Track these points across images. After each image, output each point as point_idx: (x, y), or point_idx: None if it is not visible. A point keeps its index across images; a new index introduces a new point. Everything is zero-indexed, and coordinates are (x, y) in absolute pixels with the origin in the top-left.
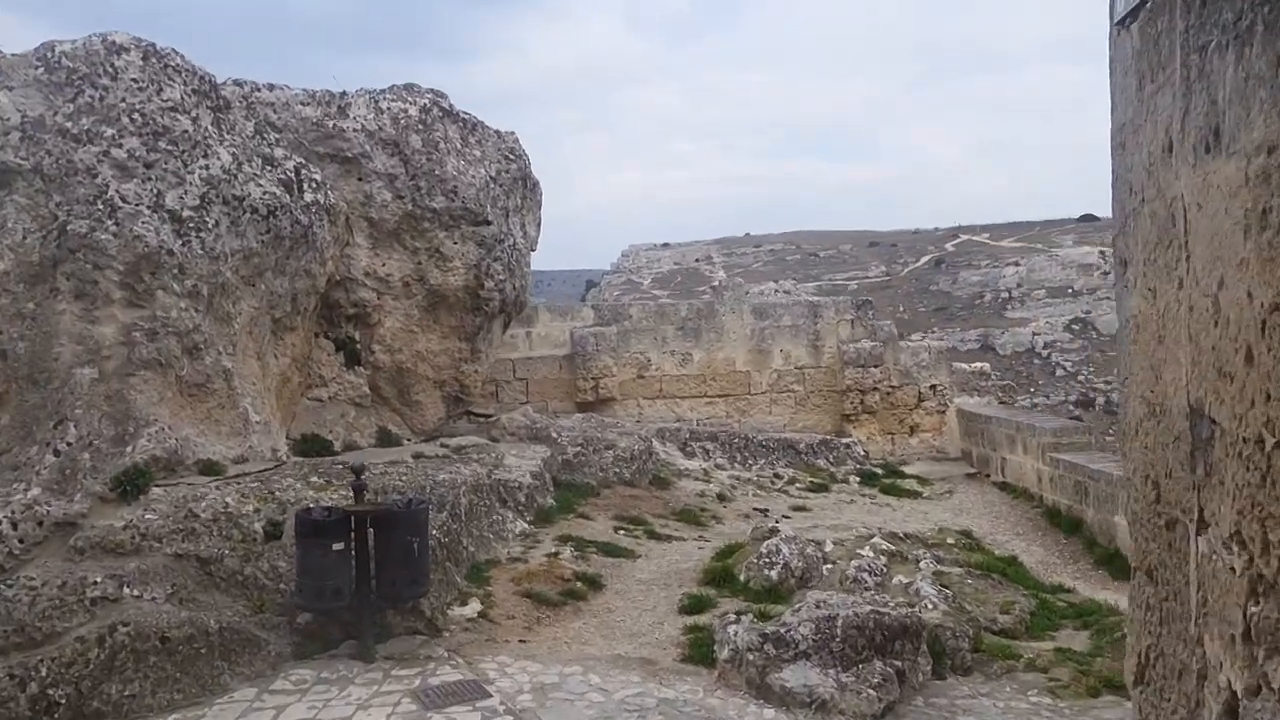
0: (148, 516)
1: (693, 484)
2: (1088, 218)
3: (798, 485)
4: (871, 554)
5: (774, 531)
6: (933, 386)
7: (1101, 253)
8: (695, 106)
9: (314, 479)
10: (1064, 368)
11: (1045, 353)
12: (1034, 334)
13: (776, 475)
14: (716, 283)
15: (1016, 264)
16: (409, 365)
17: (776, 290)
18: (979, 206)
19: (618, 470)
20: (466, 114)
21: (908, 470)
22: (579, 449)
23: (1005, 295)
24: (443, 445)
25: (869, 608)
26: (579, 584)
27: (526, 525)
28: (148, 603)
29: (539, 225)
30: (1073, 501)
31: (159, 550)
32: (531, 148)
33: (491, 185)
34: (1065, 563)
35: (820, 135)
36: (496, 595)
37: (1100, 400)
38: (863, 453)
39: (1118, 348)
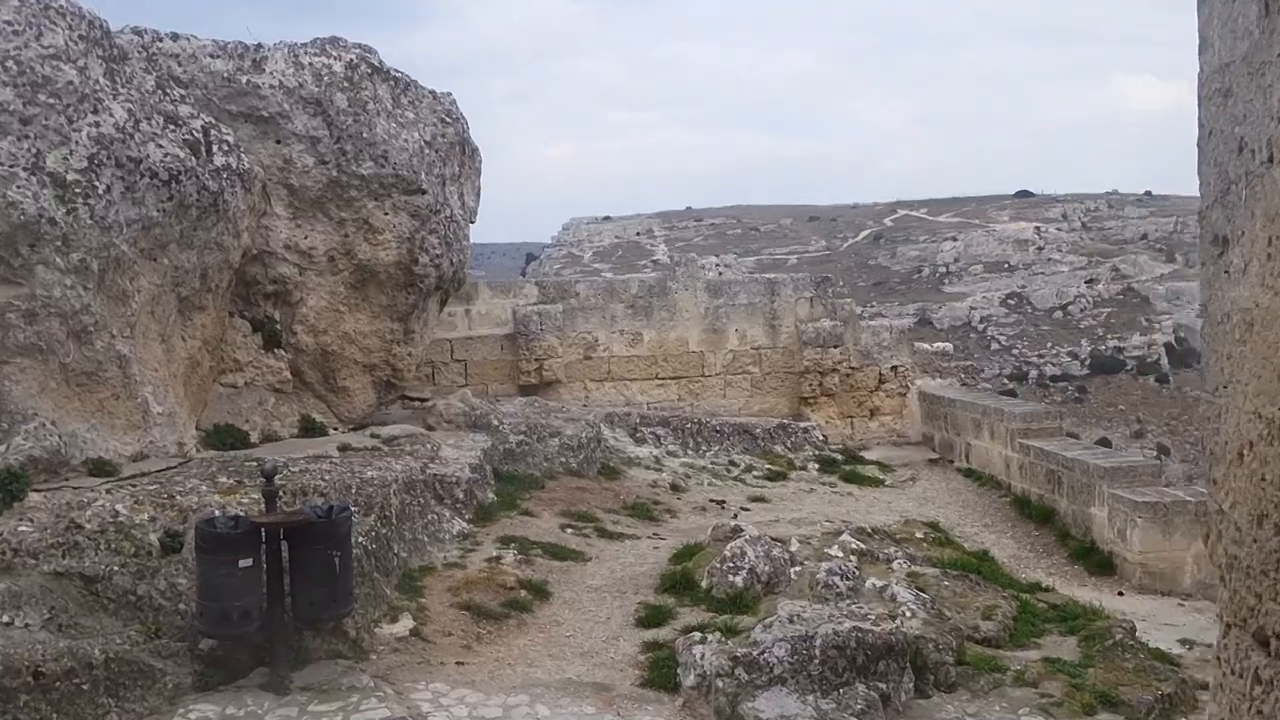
0: (21, 528)
1: (644, 473)
2: (1024, 193)
3: (755, 473)
4: (841, 554)
5: (736, 531)
6: (894, 368)
7: (1037, 228)
8: (632, 77)
9: (222, 479)
10: (999, 341)
11: (981, 327)
12: (971, 308)
13: (732, 463)
14: (658, 256)
15: (954, 239)
16: (335, 348)
17: (718, 265)
18: (918, 180)
19: (564, 460)
20: (398, 72)
21: (868, 456)
22: (522, 437)
23: (943, 270)
24: (373, 435)
25: (849, 624)
26: (523, 593)
27: (465, 525)
28: (19, 630)
29: (478, 195)
30: (1044, 491)
31: (35, 568)
32: (467, 117)
33: (426, 150)
34: (1039, 556)
35: (760, 107)
36: (431, 609)
37: (1033, 374)
38: (821, 437)
39: (1206, 345)
